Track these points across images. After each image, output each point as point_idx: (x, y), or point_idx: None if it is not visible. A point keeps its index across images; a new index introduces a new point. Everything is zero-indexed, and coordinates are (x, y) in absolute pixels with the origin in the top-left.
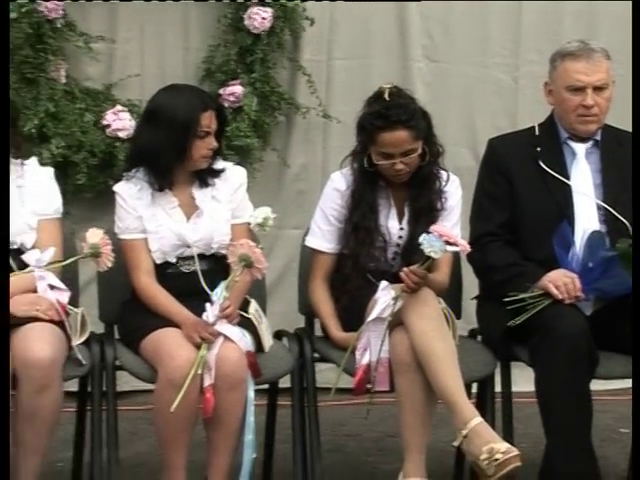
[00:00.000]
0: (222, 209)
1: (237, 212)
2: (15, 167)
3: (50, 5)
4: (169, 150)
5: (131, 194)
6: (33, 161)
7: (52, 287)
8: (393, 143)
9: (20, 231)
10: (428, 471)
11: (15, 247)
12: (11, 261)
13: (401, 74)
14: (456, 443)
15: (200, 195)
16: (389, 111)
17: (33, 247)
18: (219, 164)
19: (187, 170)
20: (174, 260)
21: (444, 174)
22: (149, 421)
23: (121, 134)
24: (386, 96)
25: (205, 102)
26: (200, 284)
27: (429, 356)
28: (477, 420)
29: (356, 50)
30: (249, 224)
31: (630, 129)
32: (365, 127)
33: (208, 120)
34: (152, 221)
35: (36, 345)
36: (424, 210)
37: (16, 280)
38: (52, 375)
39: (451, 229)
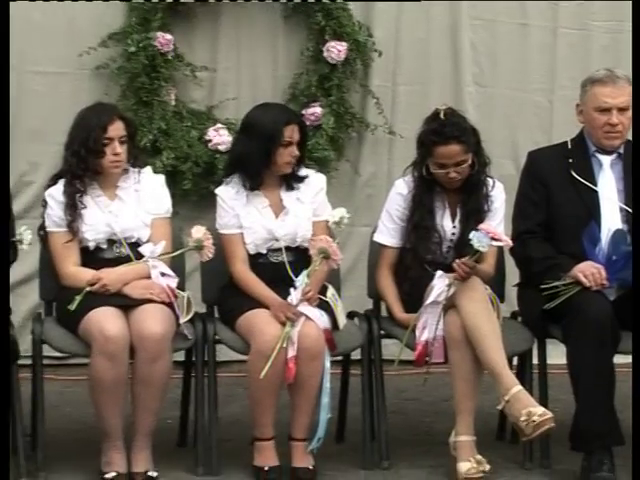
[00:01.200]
0: (305, 209)
1: (317, 211)
2: (133, 175)
3: (162, 40)
4: (258, 156)
5: (229, 196)
6: (148, 170)
7: (163, 274)
8: (447, 155)
9: (137, 228)
10: (476, 430)
11: (133, 241)
12: (129, 252)
13: (454, 97)
14: (499, 407)
15: (287, 197)
16: (444, 128)
17: (148, 241)
18: (302, 171)
19: (274, 175)
20: (265, 251)
21: (490, 181)
22: (243, 386)
23: (220, 147)
24: (442, 115)
25: (289, 116)
26: (286, 272)
27: (477, 334)
28: (517, 388)
29: (416, 77)
30: (327, 222)
31: None
32: (424, 142)
33: (291, 132)
34: (247, 218)
35: (150, 322)
36: (473, 211)
37: (134, 268)
38: (163, 347)
39: (496, 227)
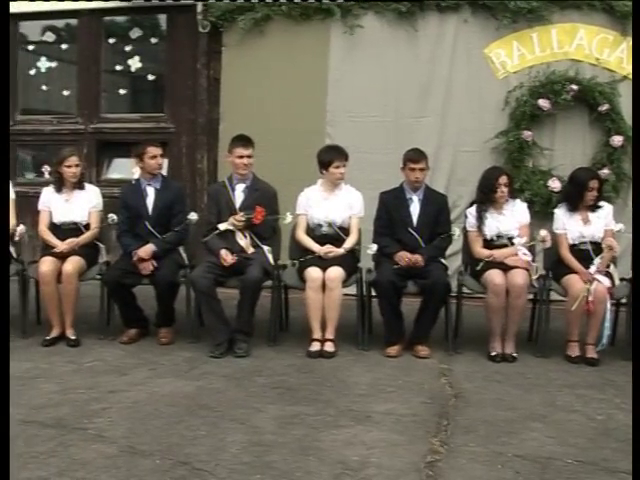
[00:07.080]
0: (600, 222)
1: (607, 224)
2: (511, 202)
3: (526, 134)
4: (574, 194)
5: (562, 213)
6: (518, 200)
7: (524, 254)
8: None
9: (512, 229)
10: None
11: (509, 236)
12: (507, 241)
13: None
14: None
15: (591, 215)
16: None
17: (518, 236)
18: (600, 203)
19: (584, 205)
20: (578, 243)
21: None
22: (560, 312)
23: (555, 190)
24: None
25: (592, 175)
26: (589, 255)
27: None
28: None
29: None
30: (612, 230)
31: None
32: None
33: (594, 183)
34: (568, 225)
35: (517, 278)
36: None
37: (510, 250)
38: (522, 291)
39: None
